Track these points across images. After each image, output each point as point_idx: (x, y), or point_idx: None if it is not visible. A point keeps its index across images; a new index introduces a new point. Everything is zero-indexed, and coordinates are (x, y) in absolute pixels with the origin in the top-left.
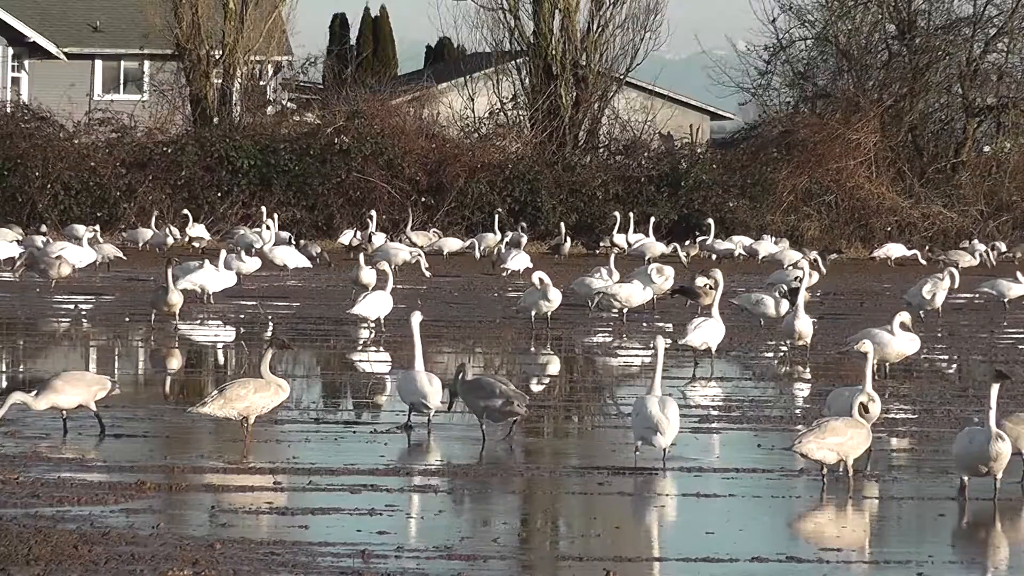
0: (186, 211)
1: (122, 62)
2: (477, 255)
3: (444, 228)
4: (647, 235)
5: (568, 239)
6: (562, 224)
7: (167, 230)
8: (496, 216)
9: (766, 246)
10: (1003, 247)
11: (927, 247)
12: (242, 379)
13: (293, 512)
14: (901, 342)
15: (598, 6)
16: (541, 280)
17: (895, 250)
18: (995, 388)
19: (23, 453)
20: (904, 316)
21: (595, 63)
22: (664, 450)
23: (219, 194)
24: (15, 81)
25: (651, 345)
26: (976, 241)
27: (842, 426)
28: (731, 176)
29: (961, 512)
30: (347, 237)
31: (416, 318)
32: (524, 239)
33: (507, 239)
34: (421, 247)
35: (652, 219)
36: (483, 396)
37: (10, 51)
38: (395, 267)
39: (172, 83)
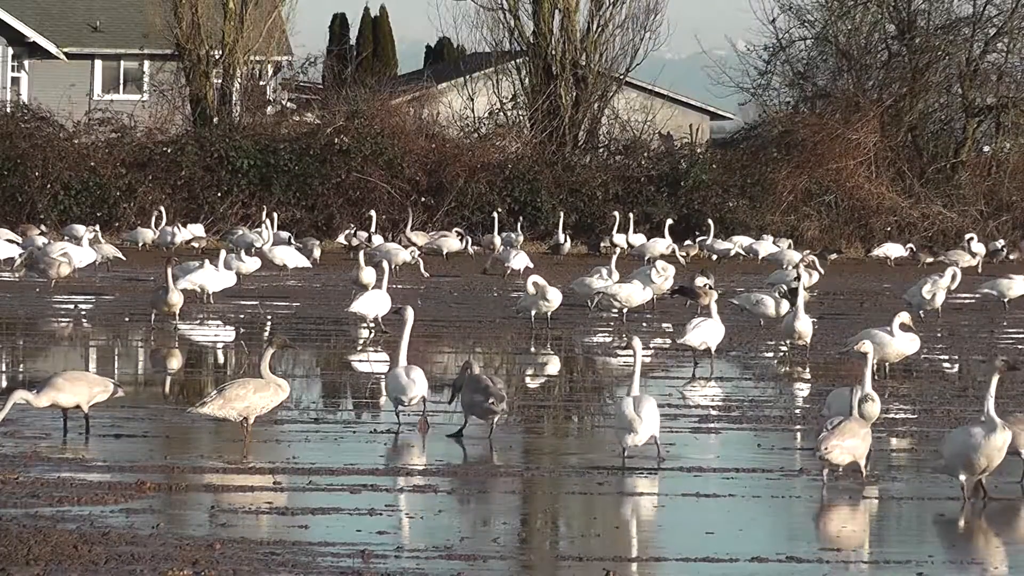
0: (161, 208)
1: (122, 62)
2: (471, 251)
3: (444, 228)
4: (655, 234)
5: (567, 238)
6: (560, 214)
7: (174, 228)
8: (495, 216)
9: (766, 246)
10: (1000, 245)
11: (913, 248)
12: (241, 379)
13: (293, 512)
14: (901, 342)
15: (598, 6)
16: (536, 283)
17: (893, 250)
18: (995, 379)
19: (23, 453)
20: (904, 316)
21: (595, 63)
22: (659, 448)
23: (219, 194)
24: (15, 81)
25: (630, 345)
26: (974, 241)
27: (856, 427)
28: (731, 176)
29: (961, 512)
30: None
31: (410, 312)
32: (520, 238)
33: (501, 239)
34: (419, 247)
35: (668, 221)
36: (473, 391)
37: (10, 51)
38: (395, 267)
39: (172, 83)
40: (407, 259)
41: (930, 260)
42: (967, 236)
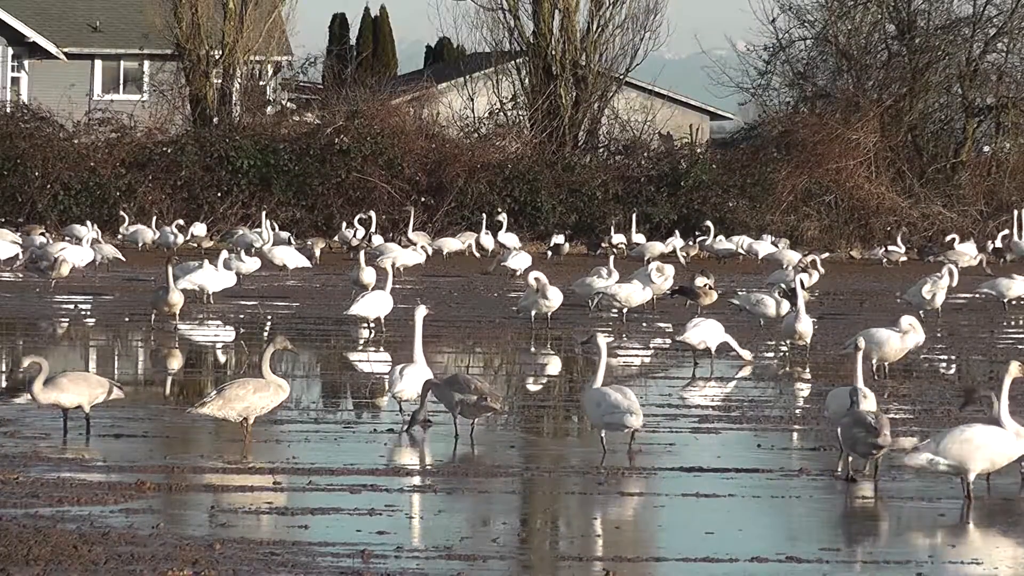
0: (123, 213)
1: (122, 62)
2: (476, 253)
3: (444, 228)
4: (656, 234)
5: (566, 241)
6: (552, 233)
7: (168, 230)
8: (484, 218)
9: (764, 246)
10: (991, 247)
11: (886, 247)
12: (241, 379)
13: (293, 512)
14: (900, 339)
15: (598, 6)
16: (537, 279)
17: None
18: (1009, 381)
19: (23, 453)
20: (911, 320)
21: (595, 63)
22: (632, 441)
23: (219, 194)
24: (15, 81)
25: (595, 342)
26: (956, 242)
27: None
28: (731, 176)
29: (961, 512)
30: (349, 235)
31: (420, 312)
32: (514, 239)
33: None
34: (420, 247)
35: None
36: (458, 390)
37: (10, 51)
38: (401, 268)
39: (172, 83)
40: (417, 260)
41: (904, 260)
42: (948, 237)
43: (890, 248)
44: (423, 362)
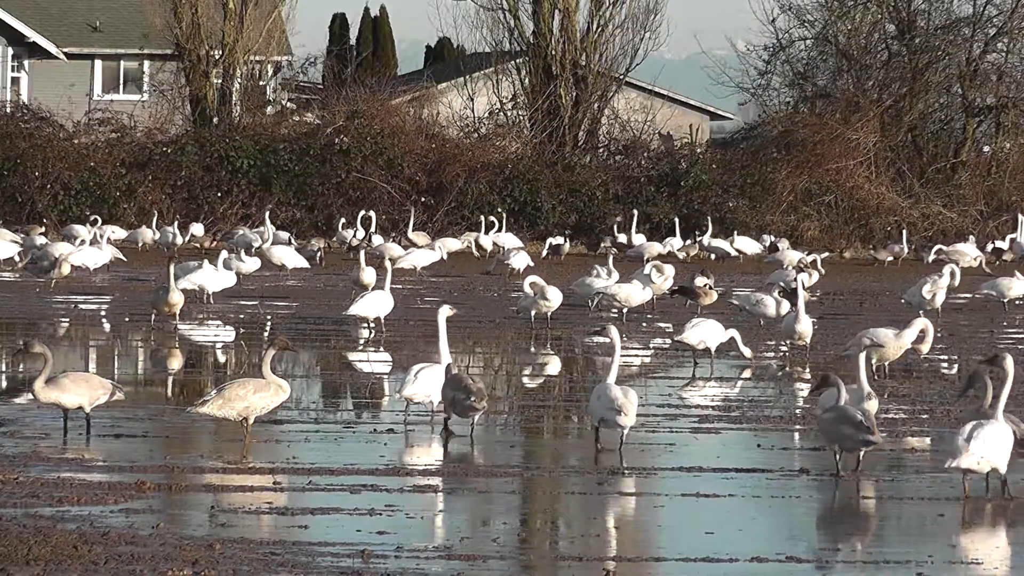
0: (97, 217)
1: (122, 62)
2: (476, 253)
3: (444, 228)
4: (655, 234)
5: (566, 241)
6: (551, 233)
7: (169, 230)
8: (483, 220)
9: (752, 247)
10: (991, 247)
11: (873, 246)
12: (241, 379)
13: (293, 512)
14: (898, 338)
15: (598, 6)
16: (533, 284)
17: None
18: (1010, 377)
19: (23, 453)
20: (926, 324)
21: (595, 63)
22: (622, 442)
23: (219, 194)
24: (15, 81)
25: (609, 333)
26: (972, 242)
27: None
28: (731, 176)
29: (961, 512)
30: (347, 235)
31: (443, 312)
32: (514, 240)
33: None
34: (421, 247)
35: (710, 223)
36: (454, 389)
37: (10, 51)
38: (417, 267)
39: (172, 83)
40: (435, 259)
41: (891, 259)
42: (935, 248)
43: (883, 248)
44: (449, 360)
